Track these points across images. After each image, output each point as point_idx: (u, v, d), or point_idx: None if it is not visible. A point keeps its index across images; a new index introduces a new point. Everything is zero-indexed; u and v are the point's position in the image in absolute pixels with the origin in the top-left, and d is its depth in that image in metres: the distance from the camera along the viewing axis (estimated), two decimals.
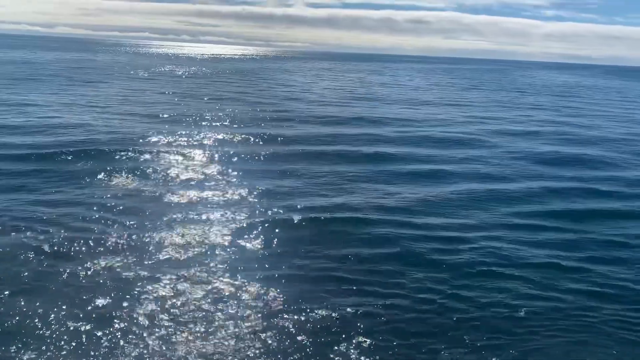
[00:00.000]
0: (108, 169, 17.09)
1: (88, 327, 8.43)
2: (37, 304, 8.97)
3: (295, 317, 9.09)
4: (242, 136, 24.02)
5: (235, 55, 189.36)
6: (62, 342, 8.06)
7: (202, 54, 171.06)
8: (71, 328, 8.43)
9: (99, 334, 8.29)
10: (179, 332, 8.46)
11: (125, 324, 8.59)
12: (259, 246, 11.90)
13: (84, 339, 8.16)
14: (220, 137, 23.72)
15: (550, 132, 30.35)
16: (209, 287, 9.92)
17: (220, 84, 53.04)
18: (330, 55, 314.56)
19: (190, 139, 22.80)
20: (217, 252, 11.41)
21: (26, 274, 10.01)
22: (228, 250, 11.55)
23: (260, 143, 23.07)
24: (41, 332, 8.30)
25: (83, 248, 11.20)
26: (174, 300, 9.35)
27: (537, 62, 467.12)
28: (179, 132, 23.82)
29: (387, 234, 13.01)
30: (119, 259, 10.79)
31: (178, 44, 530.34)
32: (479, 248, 12.48)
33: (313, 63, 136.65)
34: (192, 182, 16.54)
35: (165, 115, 28.77)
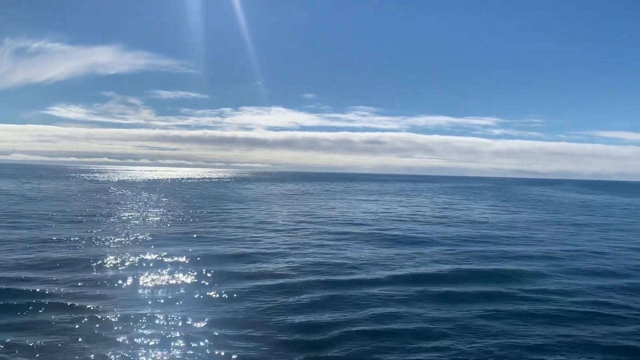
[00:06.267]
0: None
1: None
2: None
3: None
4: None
5: (197, 177, 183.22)
6: None
7: (171, 178, 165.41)
8: None
9: None
10: None
11: None
12: None
13: None
14: None
15: None
16: None
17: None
18: (291, 175, 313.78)
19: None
20: None
21: None
22: None
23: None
24: None
25: None
26: None
27: (490, 178, 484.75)
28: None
29: None
30: None
31: (137, 168, 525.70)
32: None
33: (288, 184, 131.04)
34: None
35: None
